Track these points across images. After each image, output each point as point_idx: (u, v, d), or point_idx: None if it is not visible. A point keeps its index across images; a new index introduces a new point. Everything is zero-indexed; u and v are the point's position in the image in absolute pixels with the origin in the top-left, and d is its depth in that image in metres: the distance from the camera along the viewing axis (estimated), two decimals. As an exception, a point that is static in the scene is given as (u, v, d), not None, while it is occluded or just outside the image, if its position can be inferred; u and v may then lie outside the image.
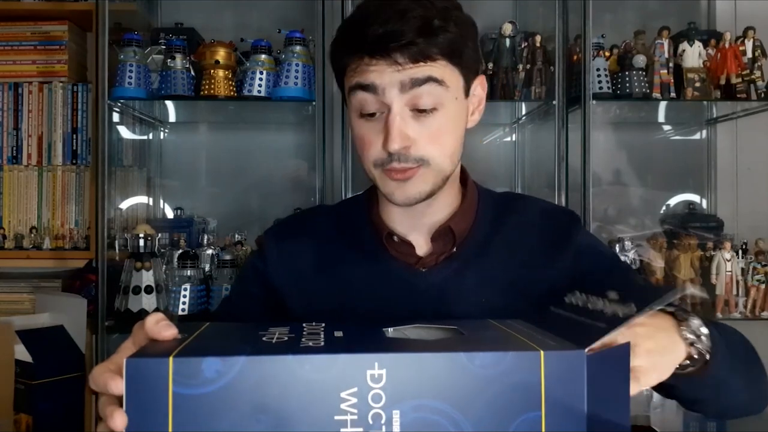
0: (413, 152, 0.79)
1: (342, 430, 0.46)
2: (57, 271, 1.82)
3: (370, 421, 0.46)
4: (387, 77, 0.77)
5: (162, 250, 1.72)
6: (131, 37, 1.64)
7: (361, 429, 0.46)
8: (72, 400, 1.57)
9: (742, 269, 1.70)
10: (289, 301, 0.90)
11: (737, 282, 1.69)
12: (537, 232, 0.90)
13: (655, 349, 0.62)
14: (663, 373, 0.63)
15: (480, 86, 0.88)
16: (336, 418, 0.46)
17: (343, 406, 0.46)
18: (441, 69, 0.79)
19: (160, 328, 0.56)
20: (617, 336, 0.52)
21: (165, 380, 0.46)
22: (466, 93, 0.85)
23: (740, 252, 1.72)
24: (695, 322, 0.68)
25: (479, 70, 0.88)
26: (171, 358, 0.46)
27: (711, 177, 2.01)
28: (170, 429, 0.46)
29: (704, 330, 0.67)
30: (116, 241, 1.70)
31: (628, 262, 1.66)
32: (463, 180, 0.93)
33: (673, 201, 2.02)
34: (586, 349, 0.48)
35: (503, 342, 0.53)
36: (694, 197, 2.02)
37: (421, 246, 0.89)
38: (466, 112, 0.86)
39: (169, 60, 1.65)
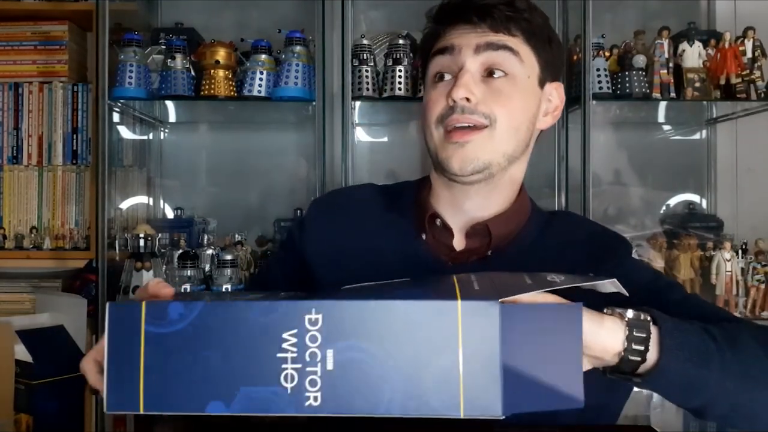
0: (478, 107, 0.80)
1: (283, 365, 0.53)
2: (57, 271, 1.82)
3: (307, 359, 0.53)
4: (464, 39, 0.81)
5: (162, 250, 1.73)
6: (131, 37, 1.64)
7: (299, 365, 0.53)
8: (72, 400, 1.57)
9: (742, 269, 1.70)
10: (318, 271, 0.89)
11: (737, 282, 1.69)
12: (580, 251, 0.86)
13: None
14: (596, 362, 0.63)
15: (557, 92, 0.88)
16: (278, 355, 0.53)
17: (284, 345, 0.53)
18: (517, 44, 0.81)
19: (160, 287, 0.64)
20: (536, 296, 0.56)
21: (138, 321, 0.55)
22: (541, 84, 0.85)
23: (740, 252, 1.72)
24: (635, 313, 0.63)
25: (559, 76, 0.90)
26: (143, 303, 0.55)
27: (711, 177, 2.01)
28: (142, 360, 0.54)
29: (630, 315, 0.63)
30: (116, 241, 1.70)
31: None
32: (519, 192, 0.90)
33: (673, 201, 2.02)
34: (500, 300, 0.53)
35: (434, 293, 0.58)
36: (694, 197, 2.02)
37: (458, 239, 0.87)
38: (538, 102, 0.86)
39: (169, 60, 1.65)
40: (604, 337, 0.61)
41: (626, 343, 0.62)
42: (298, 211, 1.85)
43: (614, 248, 0.88)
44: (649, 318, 0.64)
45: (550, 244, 0.87)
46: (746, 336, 0.71)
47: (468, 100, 0.79)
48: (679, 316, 0.68)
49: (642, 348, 0.62)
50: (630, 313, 0.63)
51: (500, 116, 0.80)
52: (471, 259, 0.85)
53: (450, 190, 0.86)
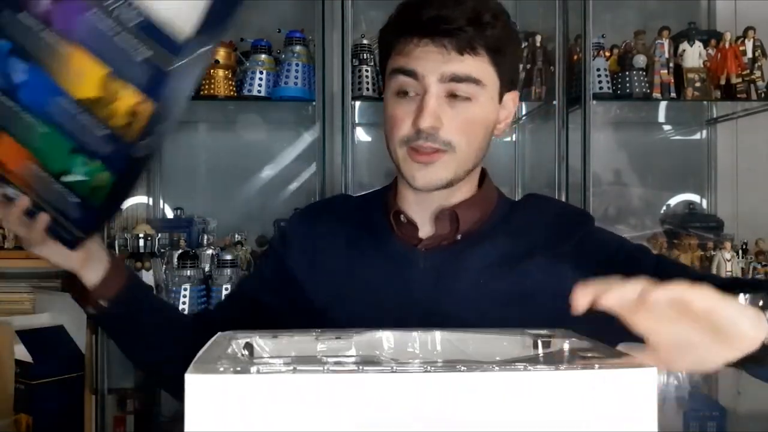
0: (442, 134, 0.83)
1: None
2: (57, 271, 1.82)
3: None
4: (430, 65, 0.82)
5: (162, 250, 1.72)
6: (131, 36, 1.64)
7: None
8: (72, 400, 1.57)
9: (743, 269, 1.70)
10: (304, 280, 0.92)
11: (737, 282, 1.69)
12: (545, 225, 0.92)
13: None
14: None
15: (512, 101, 0.92)
16: None
17: None
18: (481, 67, 0.83)
19: None
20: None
21: None
22: (500, 98, 0.88)
23: (740, 252, 1.72)
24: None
25: (516, 84, 0.93)
26: None
27: (711, 177, 2.01)
28: None
29: None
30: (116, 241, 1.70)
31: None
32: (480, 181, 0.95)
33: (674, 201, 2.02)
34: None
35: None
36: (695, 197, 2.02)
37: (426, 230, 0.91)
38: (497, 115, 0.89)
39: (169, 60, 1.64)
40: (747, 327, 0.55)
41: None
42: (297, 211, 1.84)
43: (580, 222, 0.95)
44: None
45: (517, 226, 0.92)
46: None
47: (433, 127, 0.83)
48: (662, 277, 0.66)
49: None
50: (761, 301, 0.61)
51: (462, 142, 0.84)
52: (442, 244, 0.90)
53: (415, 193, 0.91)
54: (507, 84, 0.89)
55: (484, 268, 0.87)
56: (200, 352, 0.54)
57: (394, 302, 0.85)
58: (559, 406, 0.48)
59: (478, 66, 0.82)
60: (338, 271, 0.91)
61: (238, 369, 0.48)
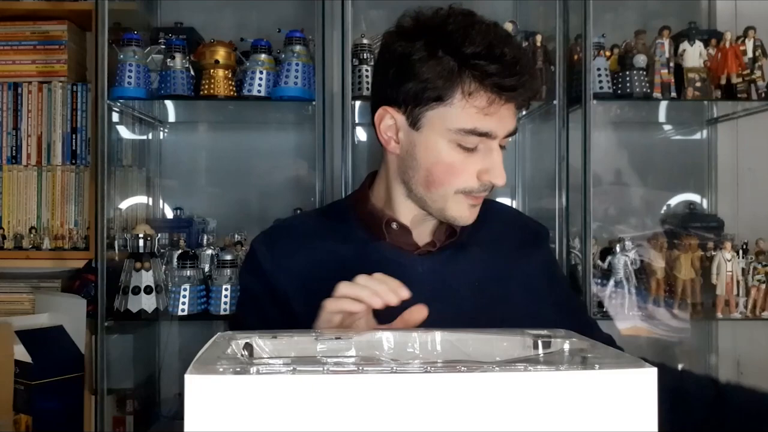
0: None
1: None
2: (56, 272, 1.82)
3: None
4: (502, 128, 0.87)
5: (162, 251, 1.72)
6: (131, 36, 1.64)
7: None
8: (71, 400, 1.56)
9: (743, 269, 1.70)
10: (293, 302, 0.92)
11: (738, 282, 1.69)
12: (514, 234, 1.03)
13: None
14: None
15: None
16: None
17: None
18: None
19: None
20: None
21: None
22: None
23: (741, 252, 1.71)
24: None
25: None
26: None
27: (711, 177, 2.01)
28: None
29: None
30: (116, 242, 1.69)
31: (629, 262, 1.66)
32: None
33: (674, 201, 2.02)
34: None
35: None
36: (695, 197, 2.02)
37: (422, 237, 0.97)
38: None
39: (168, 60, 1.64)
40: None
41: None
42: (298, 211, 1.84)
43: (540, 235, 1.07)
44: None
45: (490, 227, 1.00)
46: None
47: None
48: (559, 313, 0.93)
49: None
50: None
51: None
52: (430, 250, 0.96)
53: (414, 206, 0.95)
54: None
55: (477, 270, 0.94)
56: (200, 353, 0.53)
57: (399, 306, 0.86)
58: (560, 407, 0.47)
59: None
60: (327, 282, 0.87)
61: (238, 369, 0.48)
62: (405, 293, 0.72)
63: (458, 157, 0.87)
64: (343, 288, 0.72)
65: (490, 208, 1.02)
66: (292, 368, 0.48)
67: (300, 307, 0.91)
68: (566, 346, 0.60)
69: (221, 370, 0.47)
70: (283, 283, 0.93)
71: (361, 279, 0.73)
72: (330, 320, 0.73)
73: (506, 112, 0.86)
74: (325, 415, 0.46)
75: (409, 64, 0.85)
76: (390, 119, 0.91)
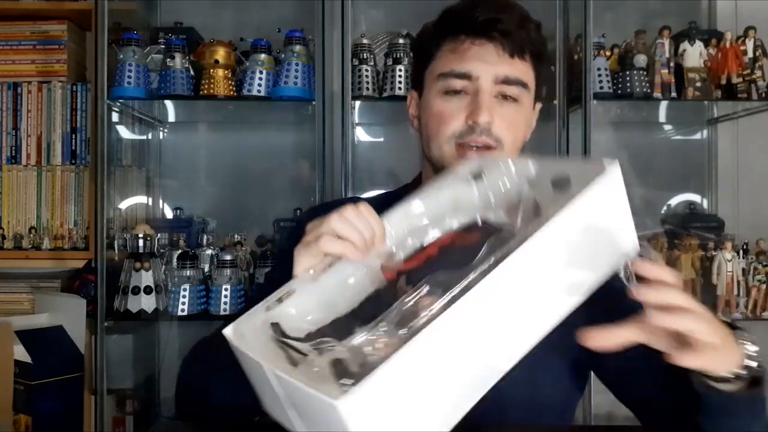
0: (494, 130, 0.87)
1: None
2: (56, 272, 1.82)
3: None
4: (484, 66, 0.86)
5: (161, 251, 1.72)
6: (130, 36, 1.64)
7: None
8: (71, 400, 1.56)
9: (743, 269, 1.70)
10: None
11: (738, 282, 1.69)
12: None
13: (716, 334, 0.60)
14: (713, 362, 0.61)
15: (537, 112, 0.97)
16: None
17: None
18: (527, 71, 0.89)
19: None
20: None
21: None
22: (534, 105, 0.94)
23: (741, 252, 1.71)
24: (750, 338, 0.66)
25: (542, 98, 0.98)
26: None
27: (712, 177, 2.01)
28: None
29: (754, 348, 0.66)
30: (115, 242, 1.69)
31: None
32: None
33: (674, 201, 2.02)
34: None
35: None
36: (695, 197, 2.02)
37: None
38: (532, 122, 0.95)
39: (168, 59, 1.64)
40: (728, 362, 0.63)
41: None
42: (298, 211, 1.84)
43: None
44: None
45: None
46: None
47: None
48: None
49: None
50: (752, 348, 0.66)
51: (507, 139, 0.88)
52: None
53: None
54: (540, 93, 0.94)
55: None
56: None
57: None
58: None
59: (525, 70, 0.88)
60: None
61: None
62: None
63: (446, 106, 0.88)
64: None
65: None
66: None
67: None
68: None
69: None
70: None
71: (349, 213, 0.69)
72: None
73: (487, 53, 0.86)
74: None
75: (419, 43, 0.96)
76: (411, 100, 0.98)
